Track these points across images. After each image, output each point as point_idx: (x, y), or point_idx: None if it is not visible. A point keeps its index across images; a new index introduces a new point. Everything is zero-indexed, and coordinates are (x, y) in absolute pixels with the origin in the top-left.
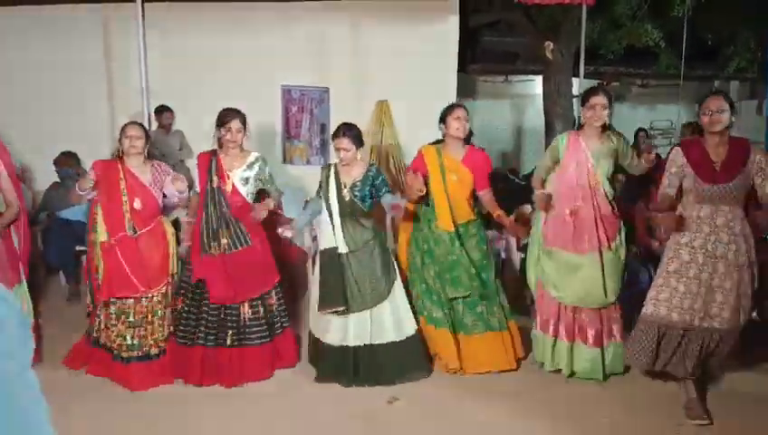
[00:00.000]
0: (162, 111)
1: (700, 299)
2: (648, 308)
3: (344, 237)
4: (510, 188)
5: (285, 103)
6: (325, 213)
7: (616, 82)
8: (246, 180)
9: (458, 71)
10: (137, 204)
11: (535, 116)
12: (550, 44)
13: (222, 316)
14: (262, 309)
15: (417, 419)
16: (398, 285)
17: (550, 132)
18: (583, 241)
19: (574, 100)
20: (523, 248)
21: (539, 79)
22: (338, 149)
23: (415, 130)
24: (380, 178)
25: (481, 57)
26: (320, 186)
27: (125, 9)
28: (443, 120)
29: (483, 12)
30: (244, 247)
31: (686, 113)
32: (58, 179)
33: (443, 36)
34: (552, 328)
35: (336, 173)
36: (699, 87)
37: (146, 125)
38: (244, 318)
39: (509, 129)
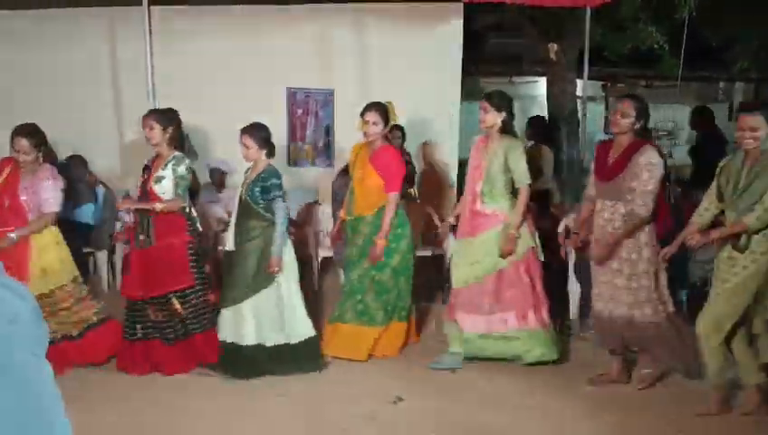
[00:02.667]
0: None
1: (603, 287)
2: None
3: (234, 235)
4: None
5: (290, 105)
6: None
7: (620, 83)
8: (159, 180)
9: (462, 72)
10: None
11: None
12: (554, 46)
13: (134, 310)
14: (170, 308)
15: (421, 418)
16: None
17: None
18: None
19: (578, 101)
20: None
21: (543, 80)
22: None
23: (420, 132)
24: (271, 182)
25: (485, 59)
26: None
27: (131, 12)
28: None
29: (487, 13)
30: (152, 246)
31: (686, 114)
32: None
33: (447, 38)
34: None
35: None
36: (703, 88)
37: None
38: (154, 314)
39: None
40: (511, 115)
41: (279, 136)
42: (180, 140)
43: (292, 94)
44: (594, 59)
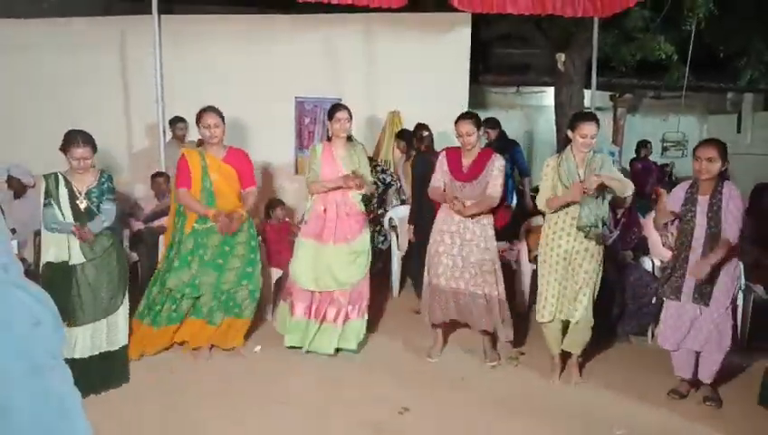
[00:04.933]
0: (176, 121)
1: (454, 270)
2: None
3: (80, 247)
4: (520, 200)
5: (299, 115)
6: (53, 225)
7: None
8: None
9: (470, 82)
10: None
11: (547, 127)
12: (561, 56)
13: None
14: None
15: (427, 428)
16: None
17: (561, 144)
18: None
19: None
20: (534, 259)
21: (551, 90)
22: (78, 159)
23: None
24: (106, 185)
25: (493, 68)
26: (46, 195)
27: (141, 22)
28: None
29: (495, 23)
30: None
31: (695, 124)
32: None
33: (455, 48)
34: (299, 311)
35: (66, 181)
36: (711, 99)
37: (160, 135)
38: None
39: (520, 140)
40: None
41: (287, 145)
42: None
43: (299, 103)
44: (602, 69)
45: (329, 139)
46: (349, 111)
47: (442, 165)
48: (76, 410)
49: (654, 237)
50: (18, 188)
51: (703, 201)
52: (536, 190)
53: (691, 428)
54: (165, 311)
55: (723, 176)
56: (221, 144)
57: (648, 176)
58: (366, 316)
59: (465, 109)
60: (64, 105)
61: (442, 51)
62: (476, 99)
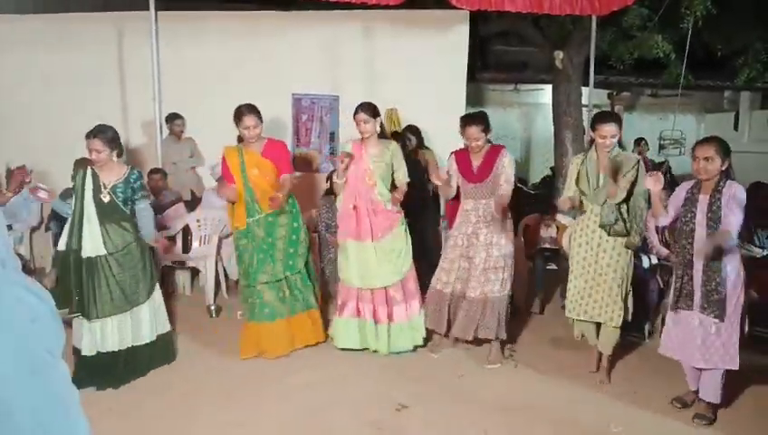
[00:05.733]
0: (173, 118)
1: (459, 273)
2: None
3: (103, 240)
4: (519, 197)
5: (296, 111)
6: (71, 215)
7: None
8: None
9: (468, 79)
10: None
11: (544, 125)
12: (559, 54)
13: None
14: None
15: (426, 425)
16: (157, 286)
17: (559, 142)
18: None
19: (584, 109)
20: (530, 256)
21: (548, 88)
22: (89, 150)
23: (424, 138)
24: (138, 183)
25: (491, 66)
26: (73, 188)
27: (139, 19)
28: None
29: (493, 21)
30: None
31: (692, 123)
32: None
33: (453, 45)
34: (348, 311)
35: (93, 175)
36: (708, 97)
37: (157, 132)
38: None
39: (518, 138)
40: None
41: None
42: None
43: (297, 100)
44: (600, 67)
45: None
46: (371, 110)
47: (451, 167)
48: (75, 407)
49: (653, 234)
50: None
51: (703, 201)
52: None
53: (687, 430)
54: (253, 306)
55: (727, 175)
56: (260, 139)
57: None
58: (420, 313)
59: (463, 106)
60: (61, 102)
61: (440, 48)
62: (474, 96)
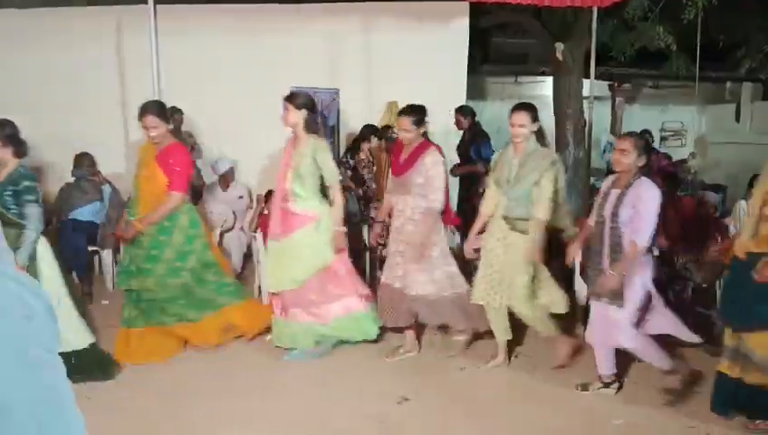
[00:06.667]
0: (172, 112)
1: (397, 269)
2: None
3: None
4: None
5: None
6: None
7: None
8: None
9: (468, 72)
10: None
11: (545, 117)
12: (560, 45)
13: None
14: None
15: (428, 418)
16: (64, 298)
17: (560, 134)
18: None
19: (585, 101)
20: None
21: (549, 80)
22: None
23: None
24: (23, 185)
25: (491, 58)
26: None
27: (138, 11)
28: None
29: (493, 13)
30: None
31: (693, 114)
32: (71, 180)
33: (453, 38)
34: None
35: None
36: (710, 89)
37: None
38: None
39: None
40: (314, 114)
41: (283, 135)
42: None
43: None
44: (601, 59)
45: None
46: (294, 101)
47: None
48: (70, 404)
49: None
50: None
51: (614, 194)
52: None
53: (684, 422)
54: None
55: (642, 173)
56: (163, 141)
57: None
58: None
59: (464, 98)
60: (60, 96)
61: (440, 40)
62: (475, 88)
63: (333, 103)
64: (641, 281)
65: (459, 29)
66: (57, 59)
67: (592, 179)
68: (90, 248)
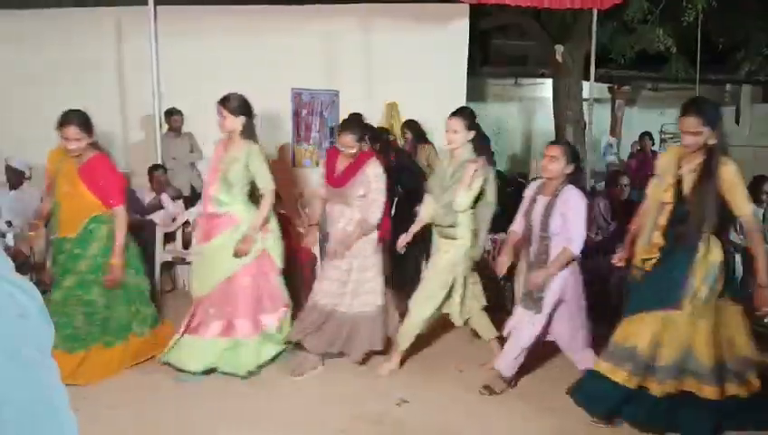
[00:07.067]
0: (172, 113)
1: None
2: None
3: None
4: (519, 191)
5: (296, 106)
6: None
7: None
8: None
9: (468, 73)
10: None
11: (545, 119)
12: (560, 48)
13: None
14: None
15: (426, 419)
16: None
17: (559, 135)
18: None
19: (585, 103)
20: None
21: (549, 82)
22: None
23: (426, 133)
24: None
25: (491, 60)
26: None
27: (138, 12)
28: None
29: (493, 15)
30: None
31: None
32: None
33: (453, 39)
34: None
35: None
36: (710, 91)
37: (156, 127)
38: None
39: (519, 132)
40: (251, 118)
41: (283, 137)
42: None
43: (296, 95)
44: (601, 61)
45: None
46: (229, 105)
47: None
48: (64, 406)
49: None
50: (14, 180)
51: (541, 201)
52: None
53: None
54: None
55: (570, 180)
56: (85, 154)
57: (646, 169)
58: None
59: (463, 100)
60: (59, 97)
61: (440, 42)
62: (475, 90)
63: (333, 104)
64: (561, 287)
65: (459, 31)
66: (56, 58)
67: (591, 182)
68: None
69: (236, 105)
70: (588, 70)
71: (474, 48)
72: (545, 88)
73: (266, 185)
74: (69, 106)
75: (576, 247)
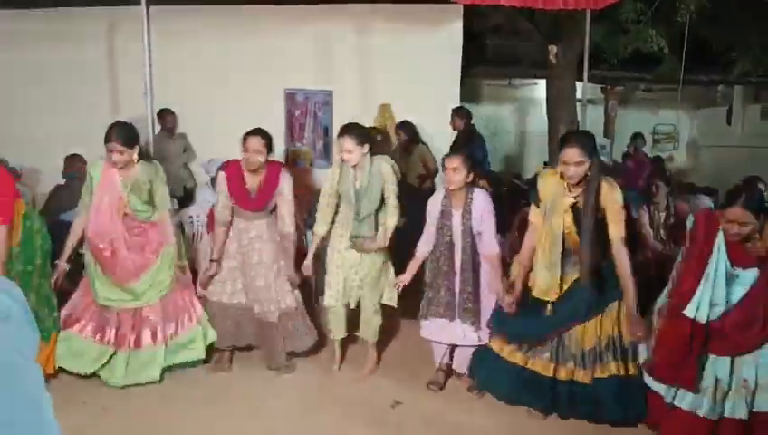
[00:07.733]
0: (165, 114)
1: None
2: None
3: None
4: (513, 192)
5: (289, 107)
6: None
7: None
8: None
9: (462, 74)
10: None
11: (539, 120)
12: (554, 48)
13: None
14: None
15: (420, 421)
16: None
17: (553, 136)
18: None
19: (578, 104)
20: None
21: (543, 83)
22: None
23: (420, 134)
24: None
25: (485, 61)
26: None
27: (130, 12)
28: None
29: (487, 15)
30: None
31: (685, 117)
32: (62, 181)
33: (447, 40)
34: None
35: None
36: (702, 92)
37: (149, 128)
38: None
39: (513, 133)
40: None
41: (277, 137)
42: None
43: (290, 95)
44: (594, 62)
45: None
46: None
47: (221, 185)
48: (47, 410)
49: (646, 229)
50: None
51: (457, 215)
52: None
53: None
54: None
55: (473, 184)
56: None
57: (642, 170)
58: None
59: (457, 101)
60: (52, 97)
61: (434, 43)
62: (468, 91)
63: (327, 105)
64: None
65: (453, 31)
66: (49, 59)
67: None
68: (80, 251)
69: (131, 136)
70: (581, 70)
71: (467, 49)
72: (539, 89)
73: (164, 205)
74: (62, 107)
75: (495, 247)
